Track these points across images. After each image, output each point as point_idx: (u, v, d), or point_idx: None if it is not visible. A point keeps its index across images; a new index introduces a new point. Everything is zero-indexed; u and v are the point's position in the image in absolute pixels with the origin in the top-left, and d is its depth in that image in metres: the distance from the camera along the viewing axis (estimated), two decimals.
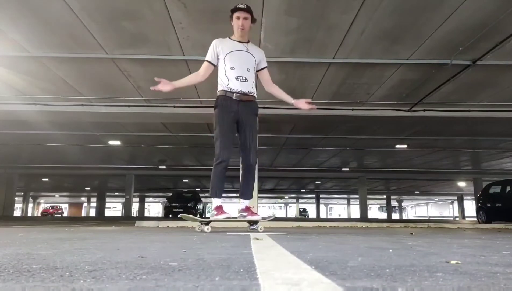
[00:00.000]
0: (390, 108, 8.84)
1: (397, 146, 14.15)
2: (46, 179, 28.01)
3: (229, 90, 3.40)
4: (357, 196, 28.58)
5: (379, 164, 19.64)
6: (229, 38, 3.54)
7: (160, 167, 20.78)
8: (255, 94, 3.52)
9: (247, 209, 3.66)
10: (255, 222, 4.10)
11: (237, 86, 3.40)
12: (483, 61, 6.27)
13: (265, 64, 3.63)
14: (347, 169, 21.29)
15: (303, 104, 3.55)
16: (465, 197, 39.85)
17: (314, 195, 42.43)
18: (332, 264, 1.30)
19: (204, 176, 22.71)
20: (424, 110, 8.85)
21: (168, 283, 0.92)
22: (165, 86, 3.34)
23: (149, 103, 8.76)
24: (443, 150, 15.21)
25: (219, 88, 3.48)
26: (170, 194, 23.16)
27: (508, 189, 12.08)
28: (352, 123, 10.60)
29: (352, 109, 8.87)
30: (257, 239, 2.59)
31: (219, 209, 3.56)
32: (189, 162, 19.06)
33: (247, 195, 3.62)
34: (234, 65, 3.42)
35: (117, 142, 13.84)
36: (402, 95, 8.11)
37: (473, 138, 12.82)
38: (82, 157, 17.31)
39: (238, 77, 3.40)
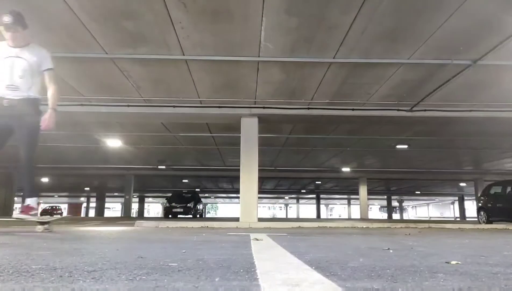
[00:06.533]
0: (391, 108, 8.83)
1: (398, 146, 14.14)
2: (46, 179, 28.01)
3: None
4: (358, 197, 28.58)
5: (379, 164, 19.62)
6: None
7: (159, 167, 20.77)
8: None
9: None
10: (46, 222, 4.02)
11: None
12: (483, 61, 6.27)
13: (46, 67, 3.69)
14: (348, 169, 21.28)
15: (47, 117, 3.70)
16: (466, 198, 39.81)
17: (314, 195, 42.41)
18: (332, 265, 1.30)
19: (204, 176, 22.69)
20: (424, 110, 8.84)
21: (167, 284, 0.92)
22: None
23: (149, 103, 8.75)
24: (443, 150, 15.20)
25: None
26: (170, 194, 23.15)
27: (509, 189, 12.06)
28: (352, 123, 10.59)
29: (353, 109, 8.86)
30: (257, 240, 2.59)
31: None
32: (188, 162, 19.05)
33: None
34: None
35: (117, 143, 13.85)
36: (402, 95, 8.10)
37: (473, 139, 12.81)
38: (81, 157, 17.30)
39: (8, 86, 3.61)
